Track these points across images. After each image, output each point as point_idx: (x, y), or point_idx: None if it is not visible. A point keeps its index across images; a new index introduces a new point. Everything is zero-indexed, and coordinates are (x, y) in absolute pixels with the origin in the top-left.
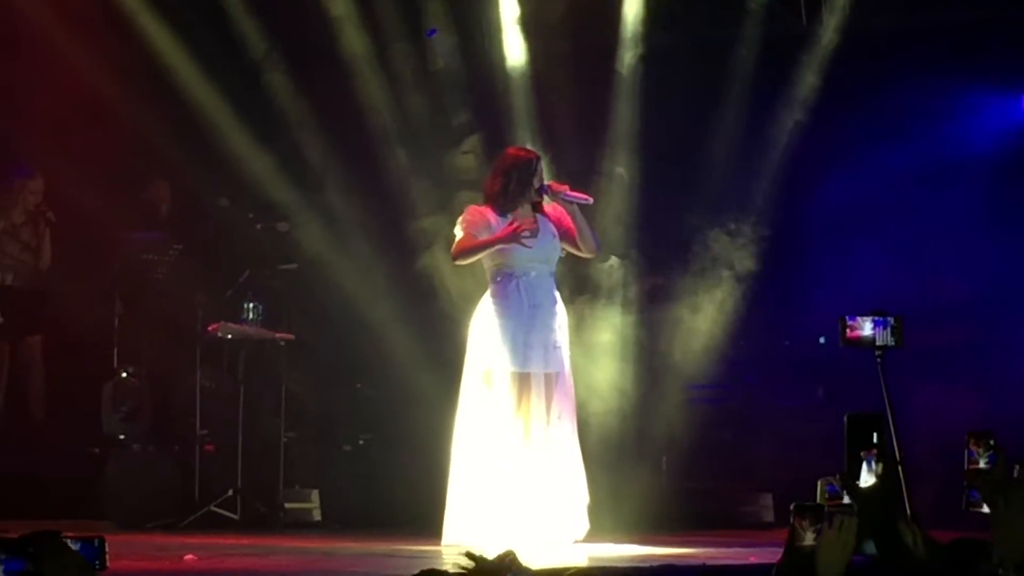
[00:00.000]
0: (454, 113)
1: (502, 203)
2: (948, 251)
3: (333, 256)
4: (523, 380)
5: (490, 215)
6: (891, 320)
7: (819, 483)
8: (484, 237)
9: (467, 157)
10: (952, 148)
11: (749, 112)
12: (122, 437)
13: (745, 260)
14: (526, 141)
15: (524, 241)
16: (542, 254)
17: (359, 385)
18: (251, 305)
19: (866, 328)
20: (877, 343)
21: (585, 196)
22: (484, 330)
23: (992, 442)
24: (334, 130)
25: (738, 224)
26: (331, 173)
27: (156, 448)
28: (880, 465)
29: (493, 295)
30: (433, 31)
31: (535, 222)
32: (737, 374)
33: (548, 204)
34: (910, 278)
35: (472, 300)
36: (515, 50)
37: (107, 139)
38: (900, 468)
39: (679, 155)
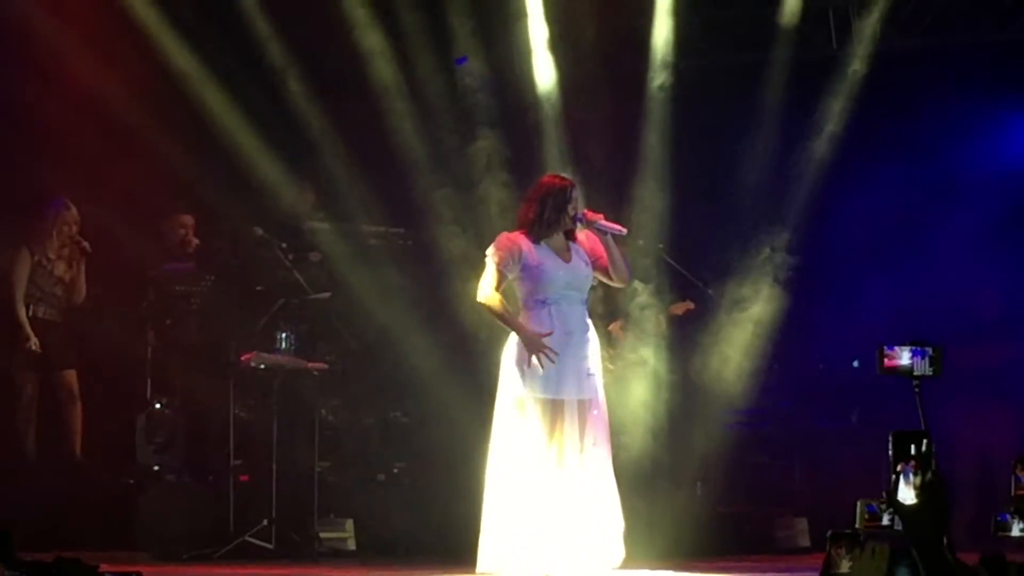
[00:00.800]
0: (484, 139)
1: (537, 231)
2: (983, 271)
3: (365, 284)
4: (556, 407)
5: (523, 242)
6: (930, 350)
7: (858, 504)
8: (512, 273)
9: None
10: (985, 168)
11: (780, 135)
12: (156, 468)
13: (778, 284)
14: (556, 166)
15: (540, 362)
16: (575, 282)
17: (393, 413)
18: (284, 335)
19: (904, 358)
20: (915, 372)
21: (620, 227)
22: (516, 357)
23: None
24: (364, 158)
25: (771, 248)
26: (362, 201)
27: (190, 479)
28: (919, 477)
29: (526, 322)
30: (463, 59)
31: (568, 258)
32: (771, 398)
33: (581, 231)
34: (945, 299)
35: (506, 328)
36: (545, 75)
37: (138, 170)
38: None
39: (710, 179)
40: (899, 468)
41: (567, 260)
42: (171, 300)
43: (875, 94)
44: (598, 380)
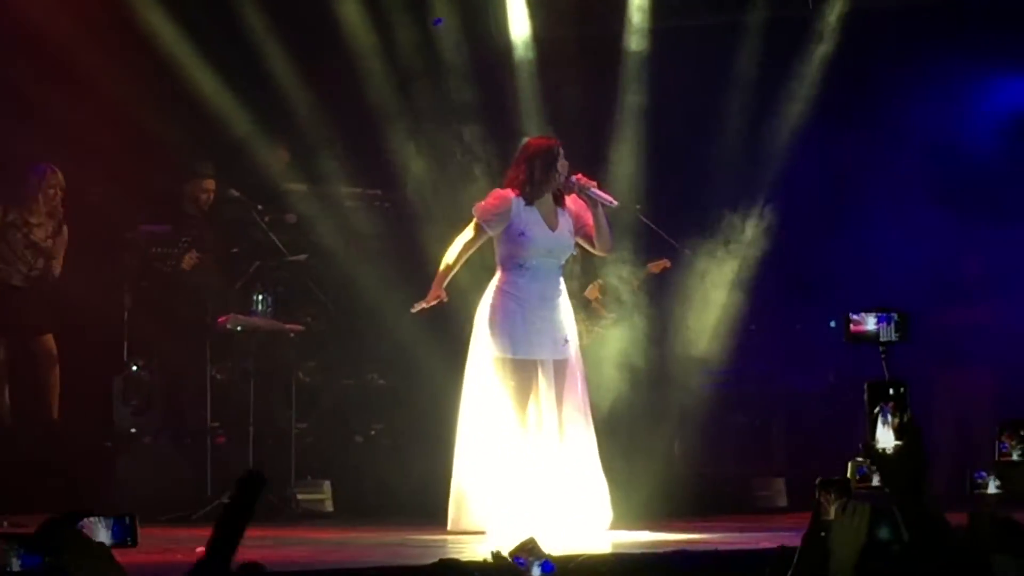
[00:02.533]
0: (460, 100)
1: (528, 191)
2: (958, 233)
3: (341, 246)
4: (530, 367)
5: (511, 200)
6: (895, 316)
7: (849, 464)
8: (494, 232)
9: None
10: (965, 128)
11: (755, 96)
12: (133, 431)
13: (755, 244)
14: (532, 127)
15: (591, 197)
16: (556, 249)
17: (370, 375)
18: (261, 297)
19: (870, 323)
20: (881, 339)
21: (610, 198)
22: (491, 317)
23: (1023, 432)
24: (340, 119)
25: (748, 208)
26: (338, 162)
27: (167, 441)
28: (896, 419)
29: (502, 283)
30: (439, 20)
31: (554, 224)
32: (749, 359)
33: (570, 198)
34: (922, 260)
35: (480, 285)
36: (521, 36)
37: (113, 133)
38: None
39: (687, 140)
40: (876, 410)
41: (553, 227)
42: (148, 262)
43: (852, 54)
44: (573, 345)
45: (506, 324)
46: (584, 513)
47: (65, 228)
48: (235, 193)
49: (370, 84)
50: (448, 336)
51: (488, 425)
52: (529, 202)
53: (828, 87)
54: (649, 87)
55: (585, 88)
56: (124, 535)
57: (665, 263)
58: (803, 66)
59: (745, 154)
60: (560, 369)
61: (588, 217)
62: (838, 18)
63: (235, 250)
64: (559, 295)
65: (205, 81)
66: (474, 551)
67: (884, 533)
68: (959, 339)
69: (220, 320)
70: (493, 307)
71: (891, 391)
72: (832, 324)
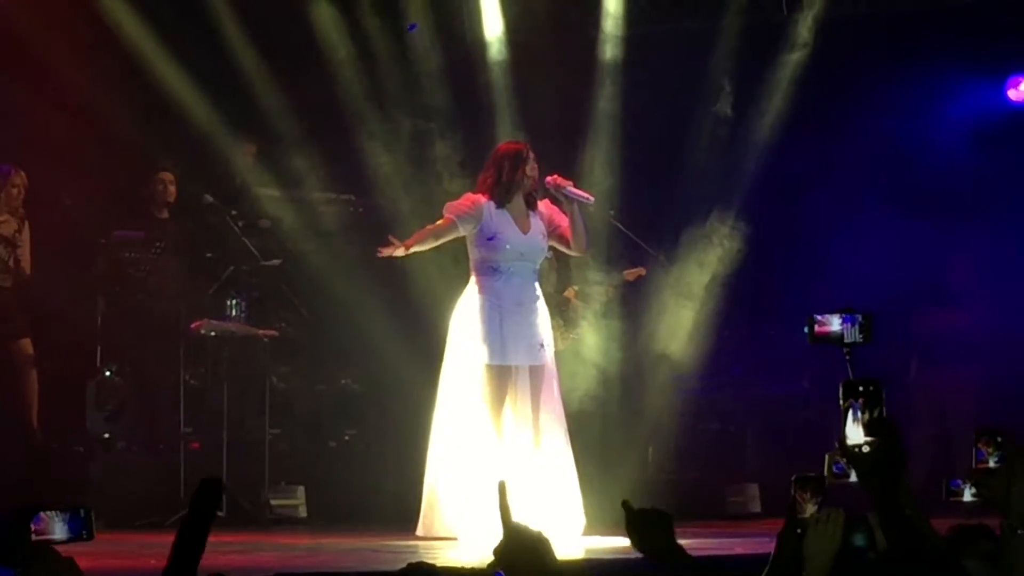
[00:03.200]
0: (434, 105)
1: (497, 194)
2: (931, 238)
3: (315, 251)
4: (505, 373)
5: (485, 204)
6: (859, 317)
7: (826, 457)
8: (467, 230)
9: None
10: (935, 134)
11: (731, 103)
12: (106, 436)
13: (729, 250)
14: (507, 133)
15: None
16: (529, 252)
17: (344, 381)
18: (234, 302)
19: (834, 324)
20: (845, 340)
21: (587, 195)
22: (466, 322)
23: (1000, 439)
24: (313, 123)
25: (722, 214)
26: (311, 168)
27: (140, 446)
28: (867, 414)
29: (477, 288)
30: (414, 26)
31: (526, 227)
32: (722, 364)
33: (543, 201)
34: (894, 267)
35: (454, 291)
36: (496, 41)
37: (85, 137)
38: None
39: (661, 146)
40: (847, 406)
41: (525, 230)
42: (121, 267)
43: (826, 61)
44: (549, 351)
45: (481, 329)
46: (557, 519)
47: (27, 226)
48: (209, 198)
49: (343, 88)
50: (422, 342)
51: (461, 431)
52: (499, 205)
53: (802, 93)
54: (623, 93)
55: (559, 94)
56: (80, 529)
57: (640, 271)
58: (777, 72)
59: (719, 160)
60: (536, 374)
61: (561, 219)
62: (812, 25)
63: (209, 255)
64: (535, 299)
65: (176, 84)
66: (445, 556)
67: (858, 540)
68: (940, 342)
69: (194, 325)
70: (468, 312)
71: (863, 388)
72: (807, 330)
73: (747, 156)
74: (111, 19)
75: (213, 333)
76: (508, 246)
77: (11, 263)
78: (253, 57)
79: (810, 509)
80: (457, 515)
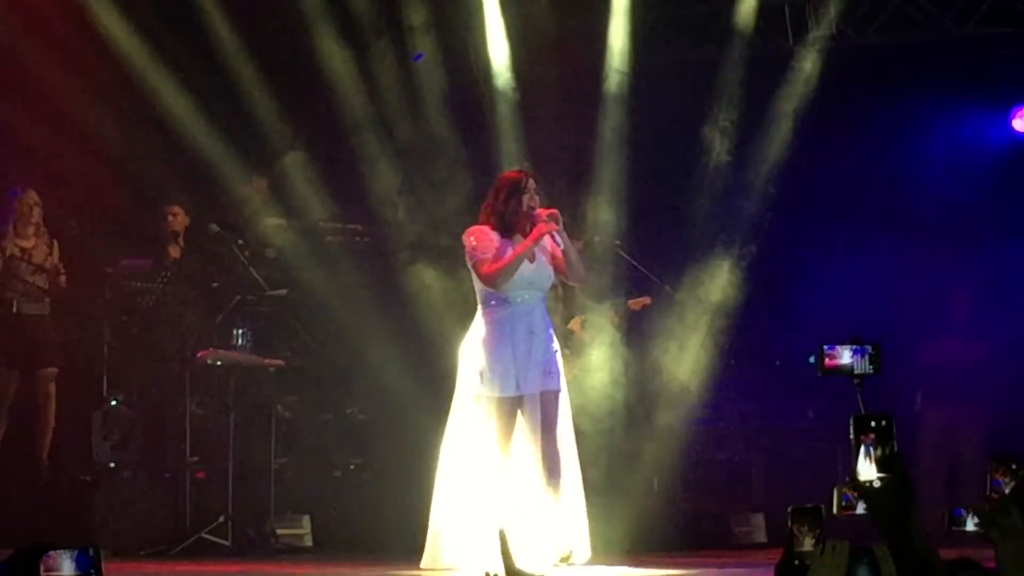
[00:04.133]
0: (440, 136)
1: (499, 224)
2: (937, 269)
3: (321, 281)
4: (515, 404)
5: (492, 235)
6: (869, 348)
7: (835, 491)
8: (506, 254)
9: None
10: (941, 167)
11: (737, 133)
12: (112, 465)
13: (735, 281)
14: (511, 163)
15: (554, 234)
16: (538, 281)
17: (350, 410)
18: (241, 331)
19: (845, 357)
20: (855, 371)
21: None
22: (476, 354)
23: (1015, 467)
24: (320, 154)
25: (727, 244)
26: (318, 197)
27: (147, 475)
28: (879, 451)
29: (486, 320)
30: (420, 55)
31: (532, 257)
32: (728, 395)
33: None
34: (900, 298)
35: (460, 320)
36: (502, 71)
37: (94, 167)
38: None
39: (667, 175)
40: (860, 439)
41: (531, 259)
42: (128, 297)
43: (832, 91)
44: (562, 379)
45: (491, 361)
46: (562, 547)
47: (55, 243)
48: (215, 228)
49: (349, 118)
50: (427, 371)
51: (469, 463)
52: (503, 235)
53: (808, 123)
54: (629, 123)
55: (565, 124)
56: (88, 567)
57: (646, 300)
58: (783, 102)
59: (725, 191)
60: (548, 401)
61: (555, 249)
62: (818, 55)
63: (215, 284)
64: (546, 327)
65: (185, 116)
66: None
67: (863, 573)
68: (945, 374)
69: (200, 354)
70: (479, 344)
71: (875, 424)
72: (811, 360)
73: (753, 187)
74: (120, 51)
75: (219, 362)
76: (518, 276)
77: (46, 287)
78: (261, 88)
79: (808, 542)
80: (460, 547)
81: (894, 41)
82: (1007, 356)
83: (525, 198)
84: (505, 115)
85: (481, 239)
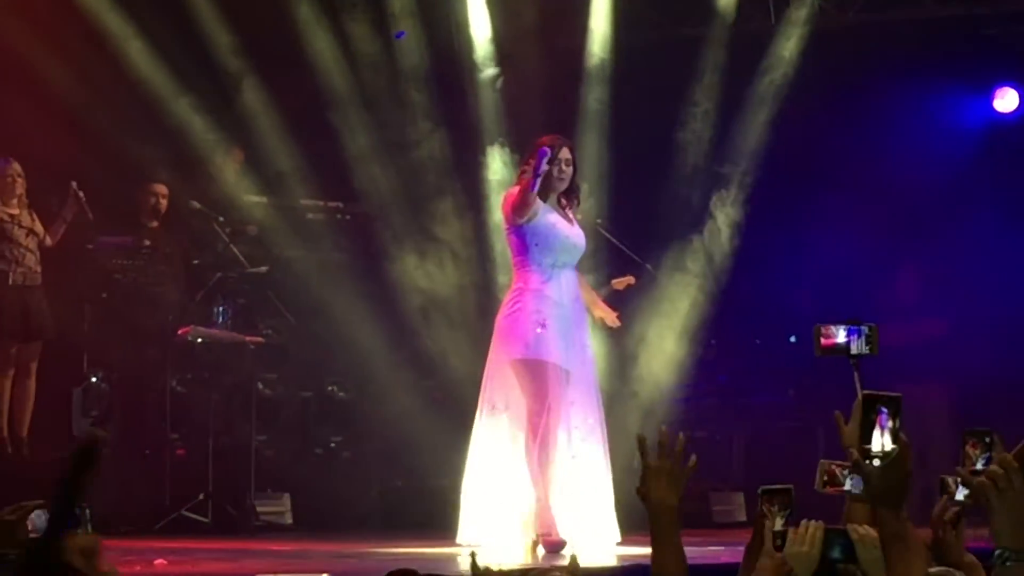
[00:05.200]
0: (422, 113)
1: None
2: (920, 249)
3: (302, 258)
4: (552, 371)
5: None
6: (865, 328)
7: (820, 463)
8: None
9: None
10: (924, 147)
11: (719, 111)
12: None
13: (716, 259)
14: (493, 140)
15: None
16: (576, 248)
17: (330, 387)
18: (221, 309)
19: (840, 336)
20: (852, 352)
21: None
22: (530, 320)
23: (989, 440)
24: (301, 131)
25: (710, 222)
26: (298, 175)
27: (127, 453)
28: (893, 424)
29: (525, 285)
30: (402, 33)
31: (570, 222)
32: (708, 373)
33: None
34: (882, 276)
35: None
36: (483, 50)
37: (71, 144)
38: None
39: (649, 154)
40: (873, 415)
41: (570, 222)
42: (108, 274)
43: (815, 70)
44: (591, 354)
45: (536, 328)
46: (588, 528)
47: (34, 213)
48: (196, 205)
49: (330, 96)
50: (407, 349)
51: (496, 438)
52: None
53: (789, 103)
54: (611, 101)
55: (546, 101)
56: (76, 525)
57: (629, 280)
58: (765, 81)
59: (707, 170)
60: (579, 379)
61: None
62: (800, 34)
63: (196, 262)
64: (578, 297)
65: (163, 90)
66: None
67: (836, 553)
68: (917, 355)
69: (180, 332)
70: (519, 310)
71: (886, 405)
72: (792, 339)
73: (734, 167)
74: (99, 25)
75: (200, 340)
76: (562, 238)
77: (41, 251)
78: (240, 64)
79: (778, 521)
80: (484, 522)
81: (876, 20)
82: (968, 334)
83: (555, 169)
84: (487, 93)
85: (514, 193)
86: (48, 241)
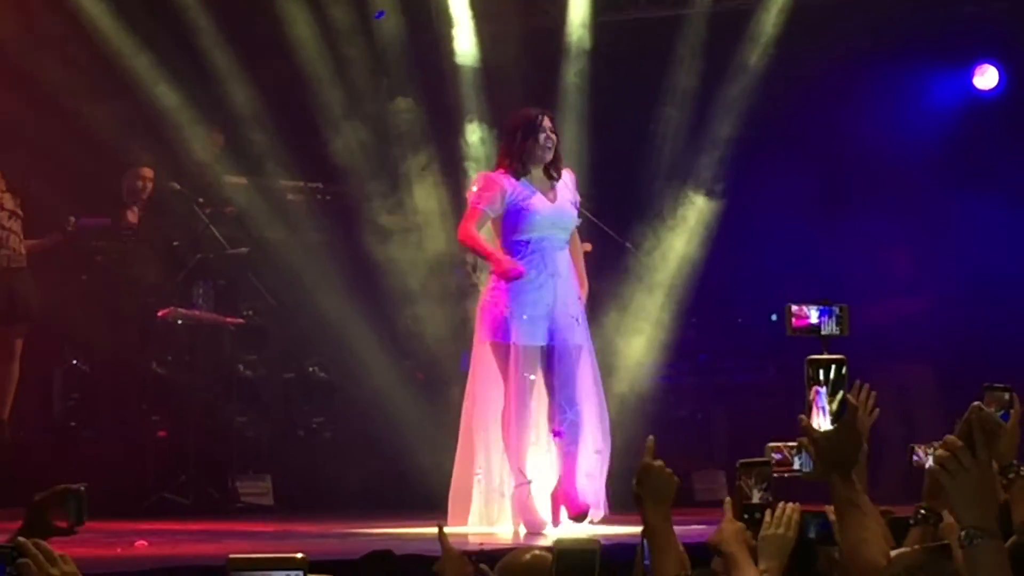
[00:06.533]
0: (401, 93)
1: (512, 164)
2: (904, 228)
3: (282, 239)
4: (536, 354)
5: (504, 180)
6: (836, 309)
7: (766, 448)
8: (496, 212)
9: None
10: (904, 125)
11: (698, 90)
12: (73, 424)
13: (697, 237)
14: (474, 121)
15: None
16: (560, 221)
17: (311, 368)
18: (201, 290)
19: (812, 316)
20: (823, 332)
21: None
22: (498, 299)
23: (1008, 396)
24: (280, 112)
25: (689, 202)
26: (279, 155)
27: (107, 435)
28: (833, 402)
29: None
30: (381, 13)
31: (553, 197)
32: (689, 352)
33: (566, 171)
34: (862, 256)
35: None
36: (463, 29)
37: (50, 125)
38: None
39: (629, 134)
40: (811, 395)
41: (553, 200)
42: (88, 255)
43: (795, 48)
44: (585, 327)
45: (514, 306)
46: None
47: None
48: (176, 186)
49: (311, 77)
50: (388, 330)
51: (490, 418)
52: (518, 176)
53: (769, 81)
54: (591, 81)
55: (526, 80)
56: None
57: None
58: (745, 60)
59: (687, 149)
60: (569, 353)
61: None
62: (780, 12)
63: (176, 243)
64: (568, 273)
65: (142, 72)
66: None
67: (813, 533)
68: (898, 334)
69: (161, 313)
70: (500, 289)
71: (831, 369)
72: (773, 317)
73: (715, 142)
74: (80, 9)
75: (180, 321)
76: (538, 215)
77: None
78: (219, 44)
79: (756, 494)
80: (481, 506)
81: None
82: (952, 313)
83: (542, 137)
84: (466, 71)
85: (486, 187)
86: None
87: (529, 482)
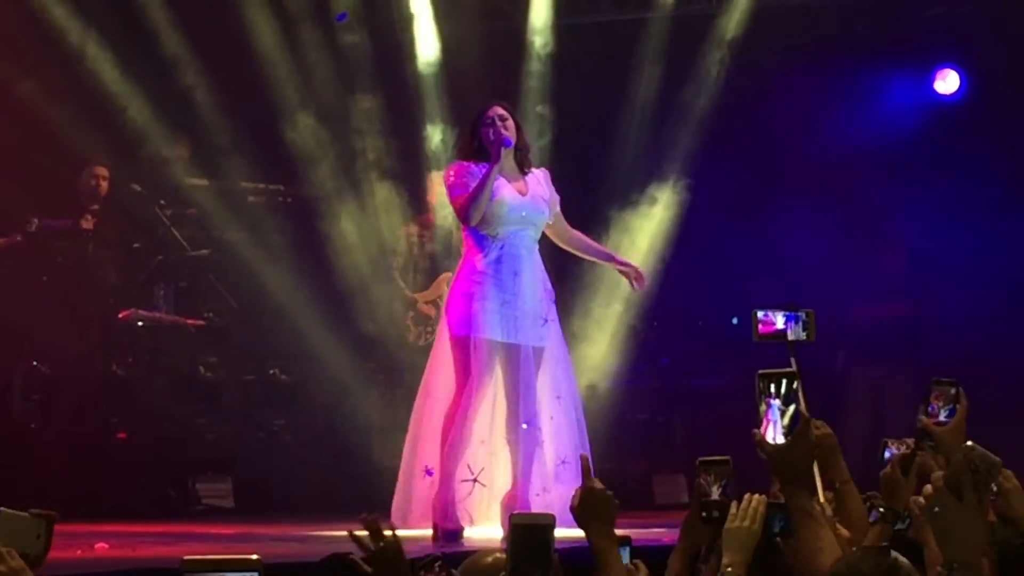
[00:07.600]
0: (363, 95)
1: (474, 156)
2: (865, 231)
3: (243, 241)
4: (509, 352)
5: (471, 166)
6: (803, 314)
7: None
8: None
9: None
10: (866, 128)
11: (660, 93)
12: (32, 425)
13: (658, 240)
14: (435, 123)
15: (504, 136)
16: (530, 216)
17: (272, 371)
18: (162, 292)
19: (779, 322)
20: (790, 338)
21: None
22: (463, 295)
23: (954, 391)
24: (242, 114)
25: (651, 204)
26: (237, 156)
27: (67, 436)
28: (785, 417)
29: (472, 260)
30: (343, 15)
31: (523, 189)
32: (651, 355)
33: (540, 170)
34: (826, 259)
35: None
36: (425, 32)
37: (10, 126)
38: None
39: (591, 136)
40: (763, 409)
41: (523, 192)
42: (48, 257)
43: (757, 51)
44: (556, 327)
45: (479, 303)
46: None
47: None
48: (137, 188)
49: (272, 78)
50: (349, 332)
51: (445, 415)
52: (478, 164)
53: (732, 84)
54: (553, 84)
55: (488, 83)
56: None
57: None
58: (707, 63)
59: (649, 152)
60: (540, 357)
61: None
62: (743, 15)
63: (137, 245)
64: (539, 271)
65: (104, 73)
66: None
67: (777, 527)
68: (869, 336)
69: (121, 315)
70: (464, 284)
71: (782, 383)
72: (735, 321)
73: (678, 144)
74: (44, 12)
75: (141, 323)
76: (505, 207)
77: None
78: (182, 48)
79: (715, 491)
80: (432, 508)
81: (817, 1)
82: (931, 316)
83: (489, 121)
84: (428, 73)
85: (459, 173)
86: None
87: (474, 480)
